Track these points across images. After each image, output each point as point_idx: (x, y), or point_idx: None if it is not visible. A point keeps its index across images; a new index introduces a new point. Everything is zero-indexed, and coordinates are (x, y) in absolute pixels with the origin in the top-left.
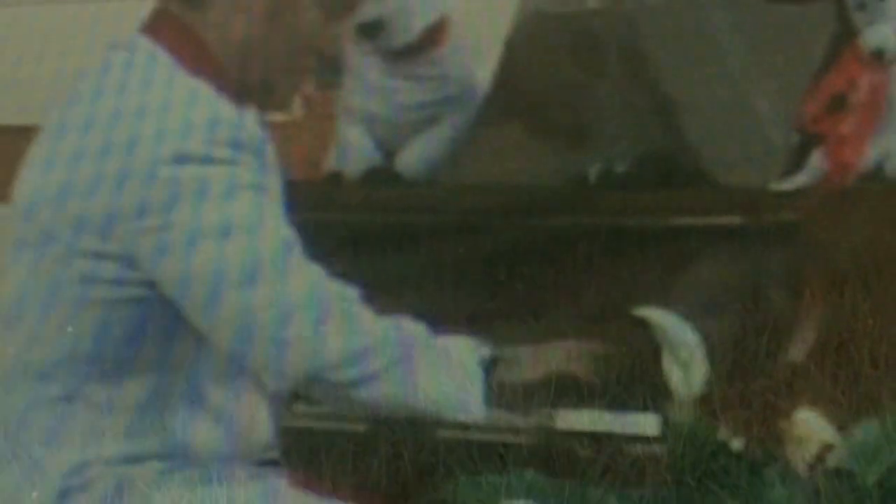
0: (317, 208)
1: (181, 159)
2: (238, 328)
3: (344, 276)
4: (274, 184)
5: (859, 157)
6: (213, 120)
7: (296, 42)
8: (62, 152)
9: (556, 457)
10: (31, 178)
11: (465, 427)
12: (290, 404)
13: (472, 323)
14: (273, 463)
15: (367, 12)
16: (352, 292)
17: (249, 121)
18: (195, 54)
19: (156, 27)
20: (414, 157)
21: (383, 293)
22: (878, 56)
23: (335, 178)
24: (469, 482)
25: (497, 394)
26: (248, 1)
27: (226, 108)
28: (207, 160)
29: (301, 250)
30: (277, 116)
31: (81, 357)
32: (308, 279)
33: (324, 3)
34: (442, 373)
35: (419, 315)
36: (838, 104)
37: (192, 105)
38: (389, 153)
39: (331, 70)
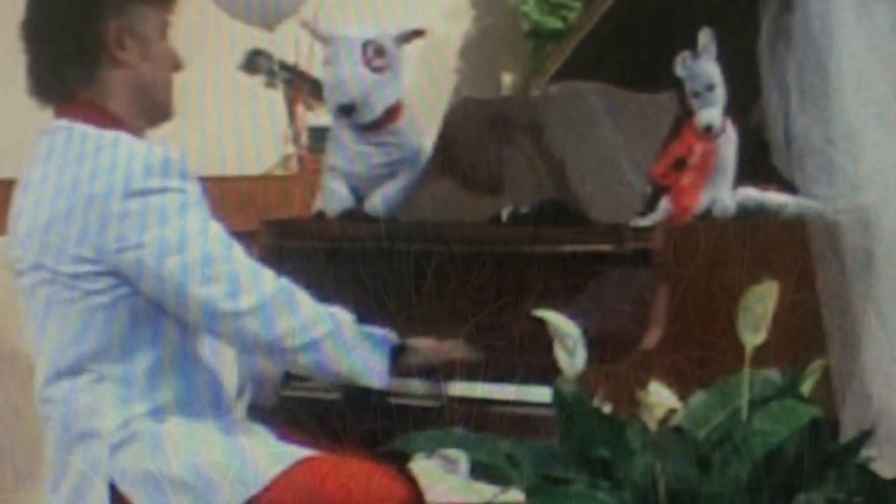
0: (307, 238)
1: (144, 193)
2: (205, 314)
3: (324, 287)
4: (200, 195)
5: (695, 203)
6: (166, 160)
7: (166, 73)
8: (46, 199)
9: (478, 418)
10: (22, 219)
11: (379, 392)
12: (285, 382)
13: (416, 323)
14: (263, 420)
15: (343, 97)
16: (287, 282)
17: (181, 155)
18: (103, 117)
19: (65, 109)
20: (378, 201)
21: (353, 300)
22: (708, 130)
23: (320, 216)
24: (413, 436)
25: (405, 370)
26: (133, 61)
27: (168, 150)
28: (164, 190)
29: (240, 245)
30: (279, 172)
31: (98, 348)
32: (251, 269)
33: (162, 33)
34: (360, 350)
35: (376, 316)
36: (680, 164)
37: (145, 151)
38: (360, 198)
39: (319, 140)
